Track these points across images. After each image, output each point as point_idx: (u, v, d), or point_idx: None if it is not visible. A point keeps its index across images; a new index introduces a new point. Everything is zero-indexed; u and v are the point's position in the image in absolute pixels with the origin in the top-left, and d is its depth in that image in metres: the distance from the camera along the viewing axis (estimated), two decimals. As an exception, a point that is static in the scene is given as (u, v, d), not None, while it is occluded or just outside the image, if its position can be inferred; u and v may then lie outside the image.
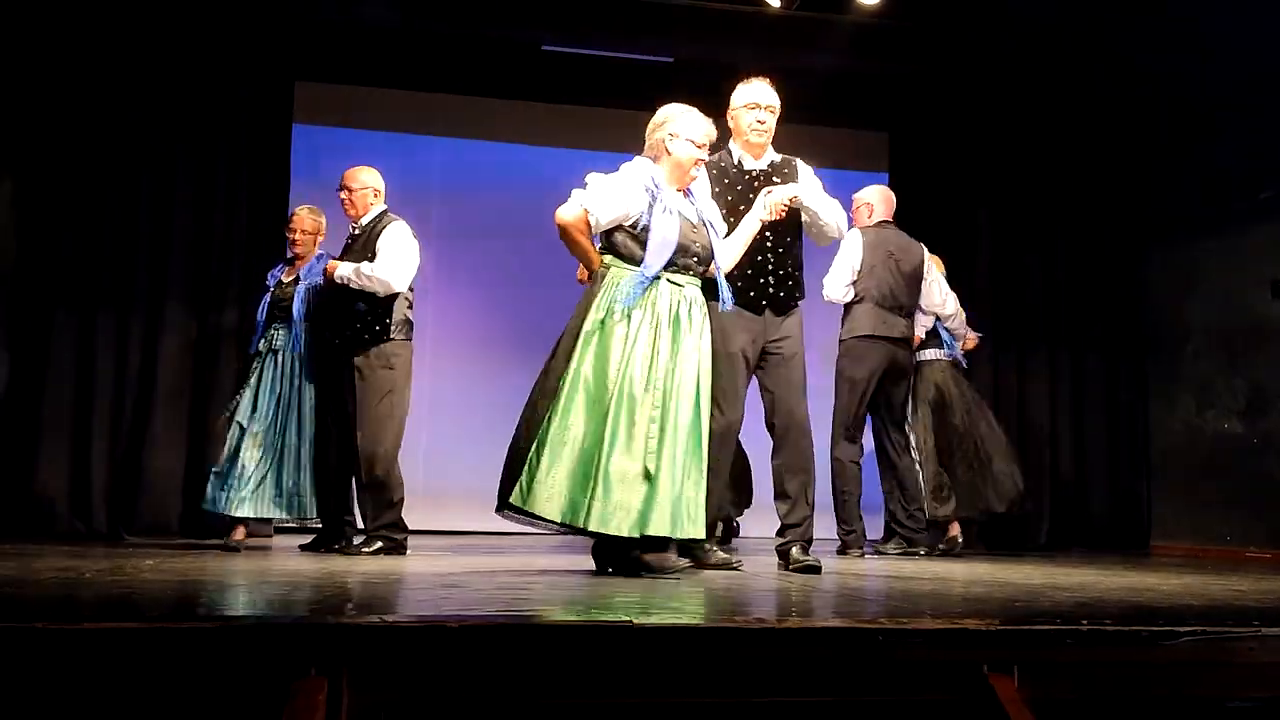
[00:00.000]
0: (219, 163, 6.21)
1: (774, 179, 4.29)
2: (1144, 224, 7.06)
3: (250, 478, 4.95)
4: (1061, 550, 6.56)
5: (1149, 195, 7.05)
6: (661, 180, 3.85)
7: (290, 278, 5.24)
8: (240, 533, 5.09)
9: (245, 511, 4.97)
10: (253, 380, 5.12)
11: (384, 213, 5.03)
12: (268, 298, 5.23)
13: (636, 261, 3.77)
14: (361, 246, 4.93)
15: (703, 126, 3.92)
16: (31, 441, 5.74)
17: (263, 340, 5.18)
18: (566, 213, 3.79)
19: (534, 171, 7.13)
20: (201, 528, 5.84)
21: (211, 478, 5.03)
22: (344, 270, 4.83)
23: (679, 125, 3.90)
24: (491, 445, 7.02)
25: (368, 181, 5.05)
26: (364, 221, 5.01)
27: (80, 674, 1.97)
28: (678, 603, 2.85)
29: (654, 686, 2.14)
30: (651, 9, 6.56)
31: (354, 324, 4.84)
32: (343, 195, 5.04)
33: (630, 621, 2.16)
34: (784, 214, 4.12)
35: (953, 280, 7.01)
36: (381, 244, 4.87)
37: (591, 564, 3.90)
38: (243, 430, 5.01)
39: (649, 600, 2.87)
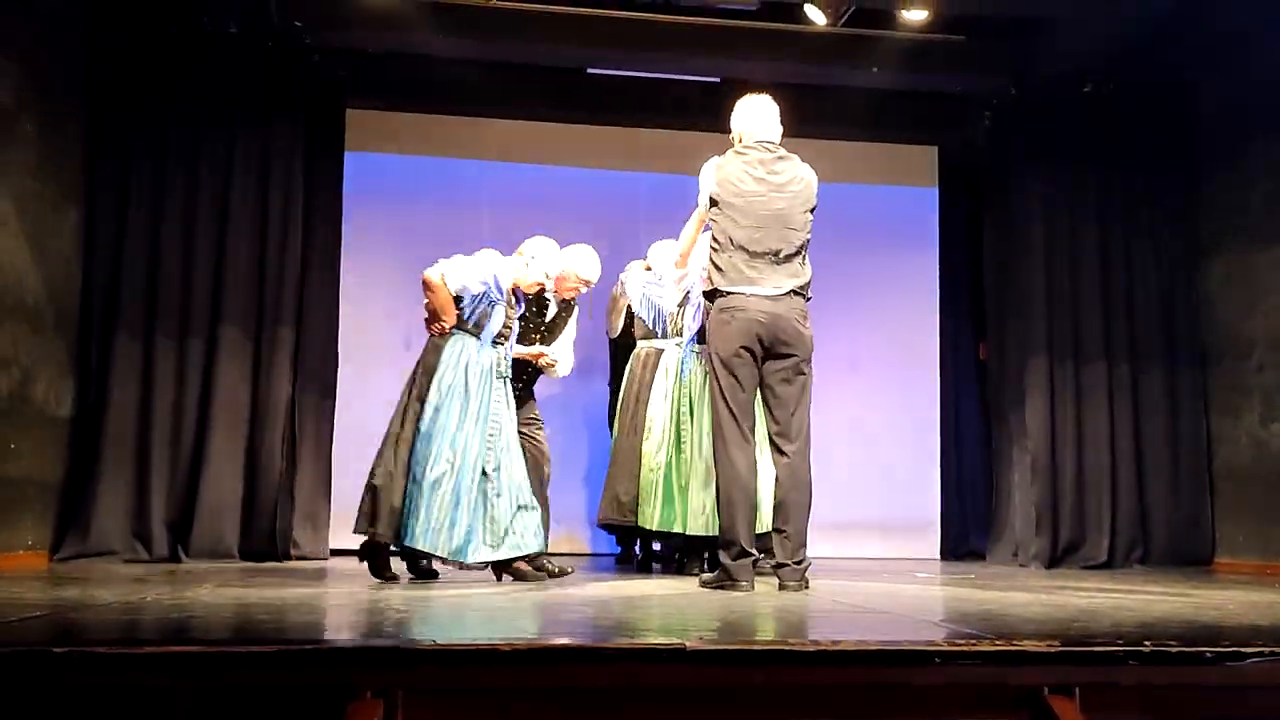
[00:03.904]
0: (273, 189, 6.29)
1: None
2: (1204, 233, 6.92)
3: None
4: (1122, 568, 6.44)
5: (1208, 203, 6.91)
6: None
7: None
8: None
9: None
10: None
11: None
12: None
13: None
14: (548, 324, 5.12)
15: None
16: (93, 465, 5.84)
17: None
18: None
19: (584, 193, 7.19)
20: (259, 551, 5.92)
21: None
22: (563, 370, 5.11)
23: None
24: (555, 466, 7.08)
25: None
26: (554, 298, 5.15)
27: (141, 697, 2.00)
28: (729, 625, 2.84)
29: (708, 708, 2.13)
30: (697, 30, 6.58)
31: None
32: (579, 289, 5.10)
33: (684, 644, 2.15)
34: None
35: (1008, 293, 6.95)
36: (567, 332, 5.12)
37: (642, 586, 3.92)
38: None
39: (699, 623, 2.86)
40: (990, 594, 4.10)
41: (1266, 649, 2.23)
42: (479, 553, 4.46)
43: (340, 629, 2.88)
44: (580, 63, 7.03)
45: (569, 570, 4.82)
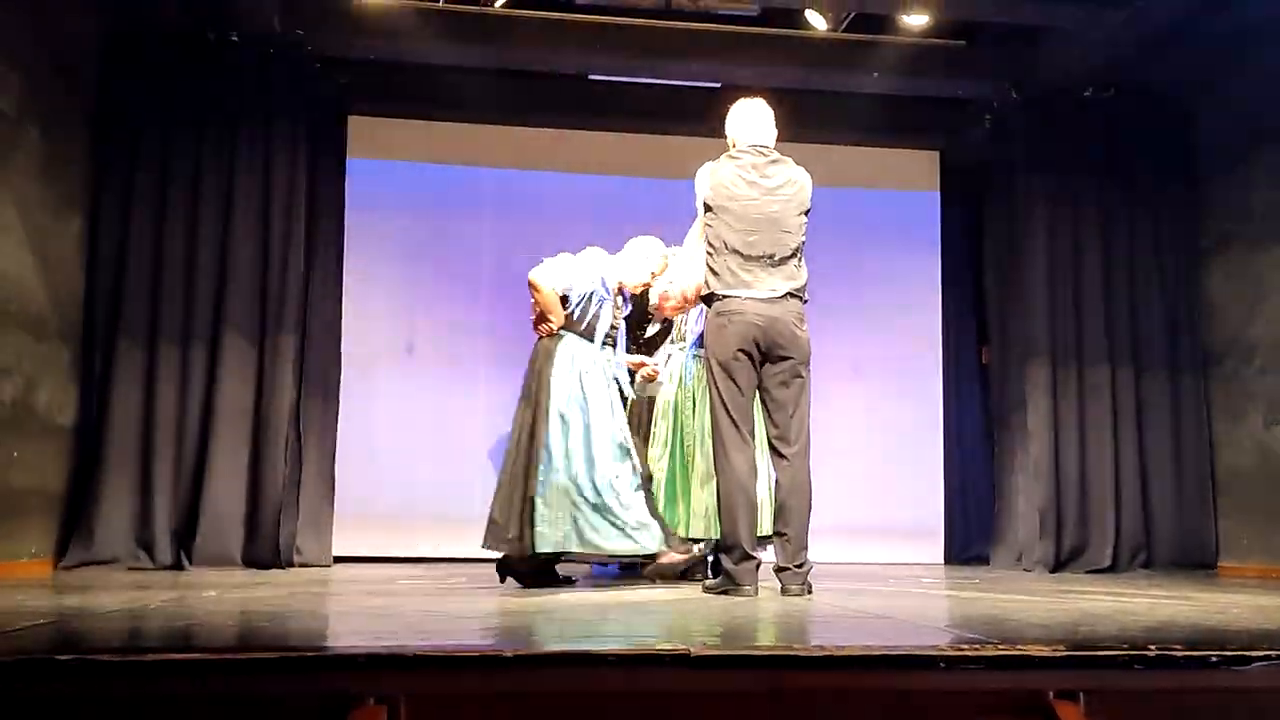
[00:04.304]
0: (276, 196, 6.29)
1: None
2: (1205, 236, 6.92)
3: None
4: (1126, 572, 6.42)
5: (1209, 207, 6.91)
6: None
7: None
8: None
9: None
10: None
11: None
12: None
13: None
14: (646, 339, 5.29)
15: None
16: (96, 472, 5.84)
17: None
18: None
19: (586, 198, 7.19)
20: (262, 558, 5.91)
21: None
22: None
23: None
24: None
25: None
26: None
27: (144, 704, 2.00)
28: (732, 630, 2.83)
29: (711, 713, 2.12)
30: (698, 35, 6.59)
31: None
32: (684, 308, 5.11)
33: (688, 649, 2.15)
34: None
35: (1010, 296, 6.95)
36: (662, 350, 5.27)
37: (645, 591, 3.92)
38: None
39: (703, 627, 2.85)
40: (994, 598, 4.09)
41: (1272, 653, 2.23)
42: (612, 542, 4.40)
43: (343, 635, 2.88)
44: (581, 69, 7.04)
45: (573, 580, 4.81)
